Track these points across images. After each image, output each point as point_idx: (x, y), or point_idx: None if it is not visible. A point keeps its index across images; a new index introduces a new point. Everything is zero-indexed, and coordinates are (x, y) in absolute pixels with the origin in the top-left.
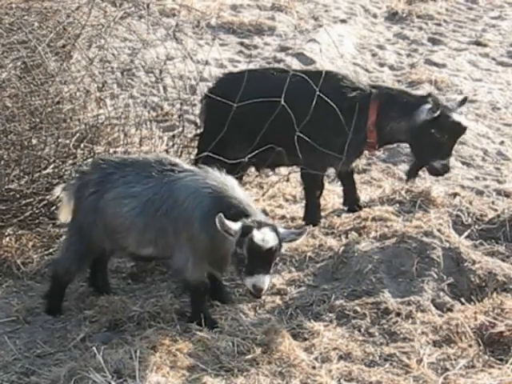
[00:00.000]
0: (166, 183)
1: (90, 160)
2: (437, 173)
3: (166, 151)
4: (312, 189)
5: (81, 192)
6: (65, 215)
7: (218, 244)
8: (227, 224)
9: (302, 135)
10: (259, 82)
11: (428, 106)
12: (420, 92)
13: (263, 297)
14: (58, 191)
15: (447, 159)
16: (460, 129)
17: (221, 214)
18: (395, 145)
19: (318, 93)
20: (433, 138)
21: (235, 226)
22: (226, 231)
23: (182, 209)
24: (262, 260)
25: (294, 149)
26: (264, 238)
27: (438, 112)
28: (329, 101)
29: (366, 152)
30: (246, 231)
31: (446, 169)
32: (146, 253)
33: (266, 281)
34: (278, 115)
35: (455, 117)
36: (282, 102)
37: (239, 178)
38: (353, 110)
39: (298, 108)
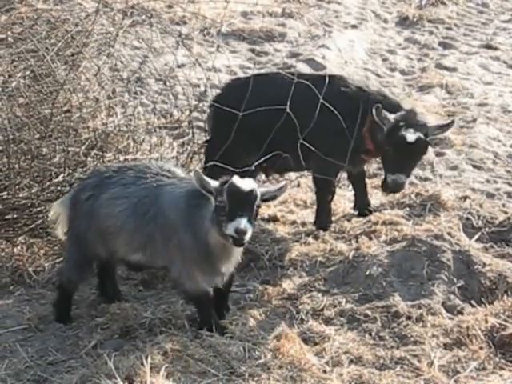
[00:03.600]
0: (156, 187)
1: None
2: (386, 187)
3: (176, 158)
4: (324, 193)
5: (77, 198)
6: (62, 229)
7: (204, 240)
8: (205, 179)
9: (305, 142)
10: (265, 87)
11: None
12: (429, 96)
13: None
14: (53, 208)
15: (398, 175)
16: (404, 144)
17: (197, 170)
18: None
19: (321, 98)
20: (385, 151)
21: (214, 182)
22: (204, 187)
23: (166, 217)
24: (243, 203)
25: (303, 155)
26: (243, 182)
27: (389, 126)
28: (330, 106)
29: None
30: (225, 182)
31: (394, 185)
32: (135, 259)
33: (247, 224)
34: (285, 121)
35: (402, 132)
36: (288, 110)
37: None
38: (355, 114)
39: (303, 114)
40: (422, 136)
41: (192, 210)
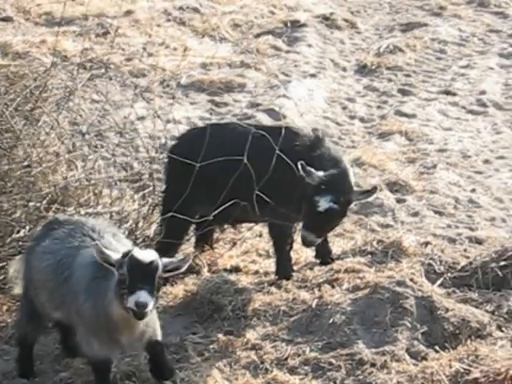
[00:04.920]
0: (77, 248)
1: None
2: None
3: (138, 211)
4: (281, 242)
5: (27, 250)
6: (19, 286)
7: (105, 312)
8: (106, 252)
9: (259, 193)
10: (221, 137)
11: None
12: (389, 143)
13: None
14: (13, 264)
15: (309, 233)
16: (315, 210)
17: (97, 243)
18: None
19: (277, 149)
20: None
21: (115, 255)
22: (105, 260)
23: (73, 282)
24: (144, 276)
25: (258, 203)
26: (144, 254)
27: (313, 184)
28: (284, 157)
29: None
30: (127, 253)
31: (304, 240)
32: (57, 316)
33: (148, 297)
34: (242, 172)
35: (316, 197)
36: (245, 160)
37: (208, 235)
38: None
39: (258, 164)
40: (334, 206)
41: (97, 280)
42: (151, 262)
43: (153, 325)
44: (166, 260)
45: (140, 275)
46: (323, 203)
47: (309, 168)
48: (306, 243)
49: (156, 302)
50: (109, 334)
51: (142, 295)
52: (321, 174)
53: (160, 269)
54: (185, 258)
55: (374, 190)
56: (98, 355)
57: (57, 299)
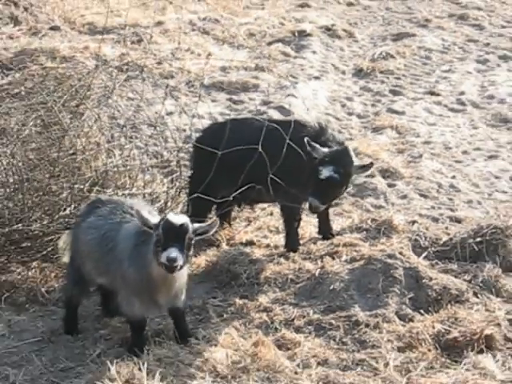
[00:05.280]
0: (119, 223)
1: None
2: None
3: (167, 192)
4: (290, 221)
5: (74, 225)
6: (68, 255)
7: (146, 272)
8: (145, 217)
9: (273, 177)
10: (240, 130)
11: None
12: (381, 136)
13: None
14: (63, 237)
15: (314, 200)
16: (318, 178)
17: (138, 210)
18: (362, 181)
19: (287, 140)
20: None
21: (154, 219)
22: (145, 224)
23: (118, 251)
24: (175, 236)
25: (272, 186)
26: (176, 218)
27: (319, 157)
28: (295, 146)
29: None
30: (163, 218)
31: (310, 206)
32: (101, 281)
33: (178, 253)
34: (257, 158)
35: (320, 167)
36: (260, 149)
37: (227, 214)
38: (312, 155)
39: (272, 153)
40: (335, 175)
41: (138, 247)
42: (182, 224)
43: (182, 292)
44: (196, 225)
45: (172, 235)
46: (325, 172)
47: (314, 144)
48: (312, 208)
49: (186, 260)
50: (149, 295)
51: (173, 251)
52: (325, 149)
53: (190, 231)
54: (212, 223)
55: (370, 164)
56: (136, 315)
57: (102, 267)
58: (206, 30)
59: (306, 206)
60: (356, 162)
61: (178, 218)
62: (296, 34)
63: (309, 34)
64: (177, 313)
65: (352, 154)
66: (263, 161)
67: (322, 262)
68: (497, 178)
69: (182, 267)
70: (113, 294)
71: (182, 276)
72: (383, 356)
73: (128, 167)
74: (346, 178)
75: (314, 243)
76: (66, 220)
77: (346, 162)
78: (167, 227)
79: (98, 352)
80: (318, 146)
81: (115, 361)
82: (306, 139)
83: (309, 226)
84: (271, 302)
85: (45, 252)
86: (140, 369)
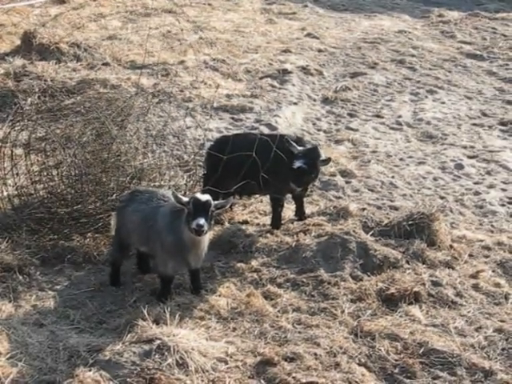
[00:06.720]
0: (156, 207)
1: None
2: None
3: (186, 184)
4: (276, 206)
5: (119, 208)
6: (114, 230)
7: (180, 237)
8: (179, 196)
9: (264, 175)
10: (240, 141)
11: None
12: (341, 146)
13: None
14: (113, 217)
15: (292, 184)
16: (291, 168)
17: (174, 191)
18: (327, 179)
19: (274, 147)
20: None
21: (185, 198)
22: (179, 201)
23: (158, 226)
24: (202, 209)
25: (263, 181)
26: (202, 196)
27: (295, 152)
28: (280, 153)
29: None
30: (192, 197)
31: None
32: (143, 249)
33: (204, 222)
34: (252, 162)
35: (294, 159)
36: (254, 155)
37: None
38: (291, 159)
39: (263, 157)
40: (304, 166)
41: (174, 219)
42: (207, 201)
43: (203, 255)
44: (216, 201)
45: (200, 208)
46: (297, 163)
47: (292, 142)
48: (291, 191)
49: (210, 227)
50: (182, 255)
51: (201, 220)
52: (300, 148)
53: (212, 206)
54: (227, 200)
55: (328, 159)
56: (169, 273)
57: (143, 238)
58: (215, 68)
59: (287, 196)
60: (323, 157)
61: (204, 196)
62: (280, 71)
63: (290, 72)
64: (195, 272)
65: (320, 152)
66: (256, 163)
67: (297, 236)
68: (424, 178)
69: (206, 232)
70: (147, 257)
71: (206, 240)
72: (340, 305)
73: (158, 166)
74: (313, 169)
75: (292, 223)
76: (113, 203)
77: (313, 156)
78: (196, 202)
79: (134, 299)
80: (294, 144)
81: (147, 305)
82: (285, 137)
83: (288, 210)
84: (260, 265)
85: (97, 226)
86: (165, 311)
